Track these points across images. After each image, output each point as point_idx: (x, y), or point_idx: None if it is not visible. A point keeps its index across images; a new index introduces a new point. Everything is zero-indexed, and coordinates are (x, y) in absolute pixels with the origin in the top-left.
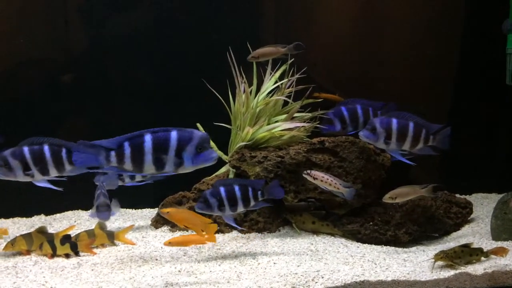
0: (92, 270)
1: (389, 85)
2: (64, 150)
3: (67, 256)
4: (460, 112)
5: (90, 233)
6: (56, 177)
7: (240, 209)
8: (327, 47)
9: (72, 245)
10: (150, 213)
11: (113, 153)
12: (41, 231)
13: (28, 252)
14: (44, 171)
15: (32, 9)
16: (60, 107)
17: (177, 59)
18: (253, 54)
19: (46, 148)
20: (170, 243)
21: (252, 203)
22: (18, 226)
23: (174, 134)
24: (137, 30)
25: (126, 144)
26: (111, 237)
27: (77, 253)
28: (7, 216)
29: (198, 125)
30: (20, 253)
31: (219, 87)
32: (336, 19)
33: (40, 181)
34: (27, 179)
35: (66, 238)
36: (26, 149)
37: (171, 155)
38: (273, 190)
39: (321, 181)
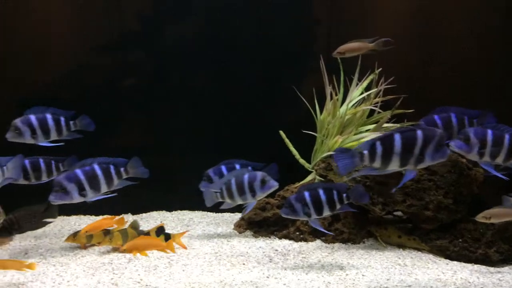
0: (183, 270)
1: (448, 89)
2: (112, 167)
3: None
4: None
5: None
6: (106, 193)
7: (326, 212)
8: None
9: (166, 237)
10: (230, 217)
11: (366, 153)
12: (134, 226)
13: (122, 248)
14: (96, 189)
15: (91, 15)
16: (125, 110)
17: (254, 65)
18: (338, 50)
19: (96, 167)
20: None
21: (338, 206)
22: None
23: (420, 133)
24: (216, 36)
25: (378, 144)
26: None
27: None
28: (97, 213)
29: (281, 132)
30: (115, 249)
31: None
32: (390, 24)
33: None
34: (81, 199)
35: (161, 230)
36: (79, 171)
37: (415, 153)
38: (358, 194)
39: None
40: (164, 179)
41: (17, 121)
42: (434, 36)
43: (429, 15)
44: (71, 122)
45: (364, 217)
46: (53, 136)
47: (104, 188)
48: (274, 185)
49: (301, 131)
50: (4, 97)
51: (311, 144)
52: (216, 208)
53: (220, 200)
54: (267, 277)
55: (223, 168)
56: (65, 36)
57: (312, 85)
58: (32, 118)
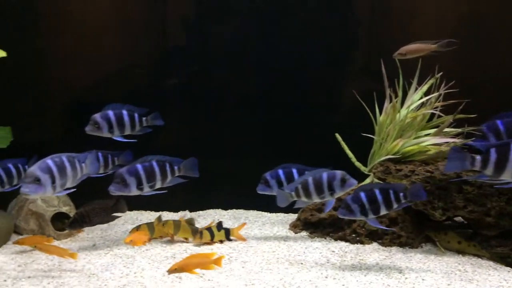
0: (243, 267)
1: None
2: (167, 164)
3: (221, 242)
4: None
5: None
6: (158, 189)
7: (383, 211)
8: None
9: (226, 231)
10: (285, 217)
11: (479, 158)
12: (190, 223)
13: (172, 237)
14: (152, 184)
15: (136, 20)
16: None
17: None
18: (399, 51)
19: (155, 163)
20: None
21: (395, 205)
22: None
23: None
24: (265, 39)
25: (493, 151)
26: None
27: (229, 239)
28: (156, 209)
29: (337, 135)
30: (170, 240)
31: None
32: (433, 28)
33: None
34: (137, 193)
35: (220, 225)
36: (139, 166)
37: None
38: (416, 193)
39: None
40: (221, 178)
41: (97, 116)
42: (485, 39)
43: (478, 17)
44: (143, 119)
45: (422, 221)
46: (127, 131)
47: (158, 184)
48: (354, 183)
49: (342, 134)
50: (55, 97)
51: (354, 146)
52: (271, 208)
53: (295, 199)
54: (326, 277)
55: (280, 172)
56: (113, 37)
57: (359, 88)
58: (110, 113)
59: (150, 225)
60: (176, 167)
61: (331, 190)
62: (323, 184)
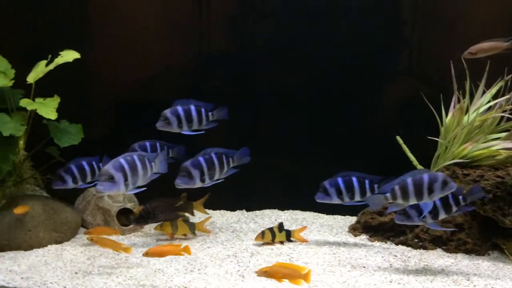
0: None
1: None
2: (224, 156)
3: (281, 243)
4: None
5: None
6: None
7: (442, 216)
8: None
9: (287, 233)
10: (342, 220)
11: None
12: (185, 220)
13: (172, 236)
14: (212, 176)
15: (176, 18)
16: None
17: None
18: (469, 50)
19: (214, 156)
20: (147, 254)
21: (454, 209)
22: (226, 218)
23: None
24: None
25: None
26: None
27: (290, 240)
28: (215, 208)
29: (398, 138)
30: (233, 242)
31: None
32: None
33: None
34: (200, 185)
35: (282, 227)
36: (202, 159)
37: None
38: (475, 192)
39: None
40: (278, 178)
41: (167, 112)
42: None
43: None
44: (210, 113)
45: (490, 228)
46: (195, 126)
47: (217, 175)
48: (455, 186)
49: (392, 135)
50: (102, 96)
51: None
52: (328, 210)
53: (391, 201)
54: (390, 282)
55: (340, 180)
56: (157, 38)
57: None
58: (179, 109)
59: (173, 223)
60: (231, 158)
61: (431, 193)
62: (423, 186)
